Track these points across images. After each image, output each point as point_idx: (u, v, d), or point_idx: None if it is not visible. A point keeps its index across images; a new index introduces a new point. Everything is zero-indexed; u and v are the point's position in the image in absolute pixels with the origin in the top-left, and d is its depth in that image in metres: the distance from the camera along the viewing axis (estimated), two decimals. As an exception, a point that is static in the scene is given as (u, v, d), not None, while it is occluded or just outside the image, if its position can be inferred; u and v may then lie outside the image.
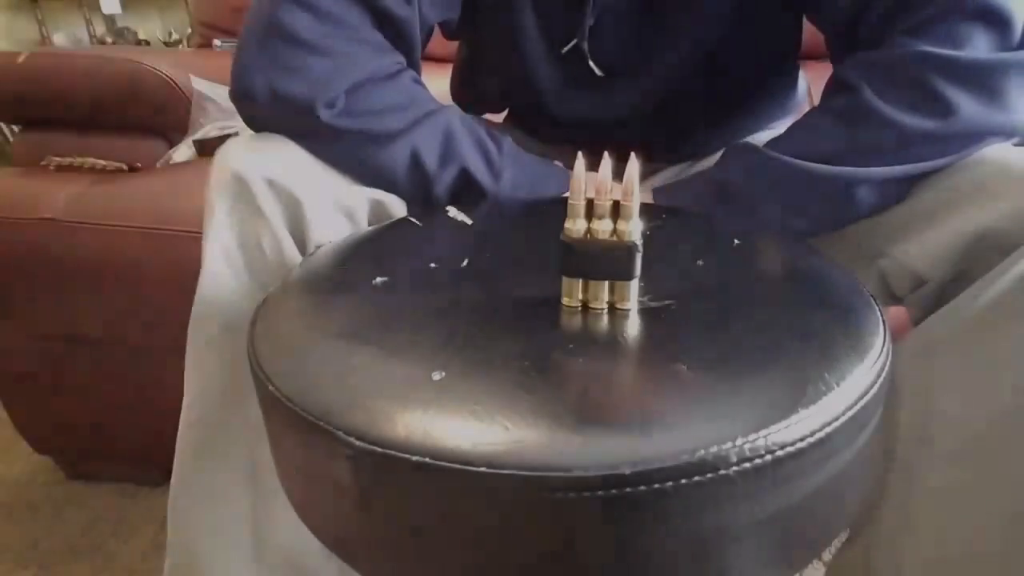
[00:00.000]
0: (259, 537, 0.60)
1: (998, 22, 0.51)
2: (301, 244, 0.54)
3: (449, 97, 0.84)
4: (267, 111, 0.55)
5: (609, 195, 0.37)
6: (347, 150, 0.55)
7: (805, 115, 0.59)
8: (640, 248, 0.37)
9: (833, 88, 0.57)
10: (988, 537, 0.51)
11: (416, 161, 0.56)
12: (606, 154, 0.37)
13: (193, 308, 0.56)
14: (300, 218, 0.53)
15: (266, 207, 0.52)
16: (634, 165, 0.36)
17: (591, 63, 0.65)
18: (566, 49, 0.65)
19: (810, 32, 0.68)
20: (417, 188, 0.58)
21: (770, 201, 0.56)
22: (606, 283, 0.39)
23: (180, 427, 0.59)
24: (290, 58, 0.53)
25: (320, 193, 0.54)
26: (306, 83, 0.53)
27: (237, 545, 0.59)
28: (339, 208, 0.56)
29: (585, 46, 0.64)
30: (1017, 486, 0.49)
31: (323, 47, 0.53)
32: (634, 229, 0.37)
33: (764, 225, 0.56)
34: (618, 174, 0.37)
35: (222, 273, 0.53)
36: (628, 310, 0.39)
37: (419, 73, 0.63)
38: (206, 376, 0.57)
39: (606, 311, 0.39)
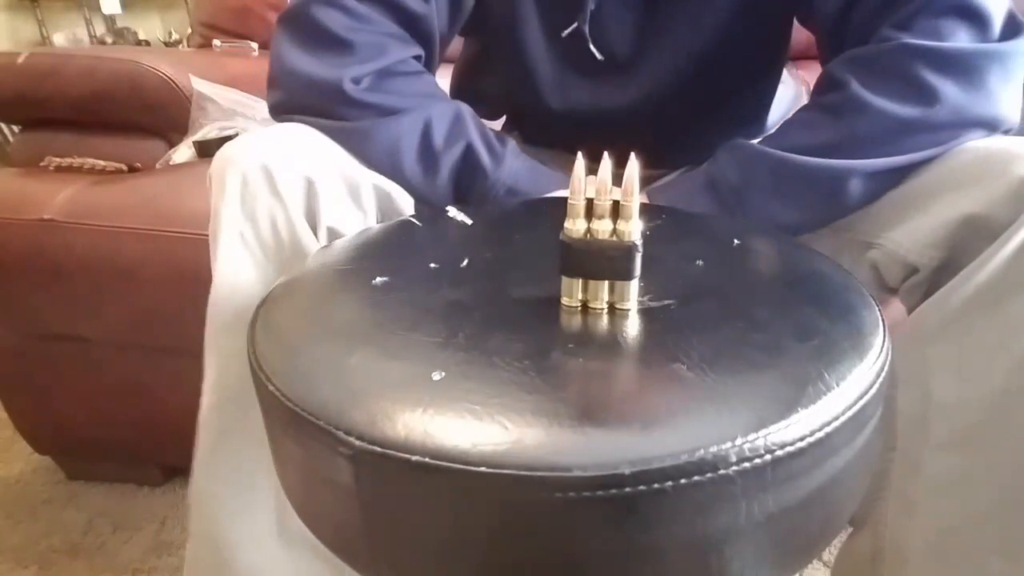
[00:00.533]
0: (282, 518, 0.60)
1: (977, 17, 0.53)
2: (313, 226, 0.54)
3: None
4: (298, 93, 0.59)
5: (609, 195, 0.37)
6: (364, 124, 0.58)
7: (796, 111, 0.59)
8: (640, 248, 0.37)
9: (823, 85, 0.58)
10: (986, 520, 0.51)
11: (426, 134, 0.59)
12: (606, 154, 0.37)
13: (211, 292, 0.56)
14: (312, 199, 0.54)
15: (279, 188, 0.53)
16: (634, 165, 0.36)
17: (591, 47, 0.65)
18: (567, 32, 0.65)
19: (807, 32, 0.68)
20: (422, 165, 0.60)
21: (762, 194, 0.56)
22: (606, 283, 0.39)
23: (200, 411, 0.59)
24: (323, 49, 0.58)
25: (330, 175, 0.55)
26: (336, 66, 0.57)
27: (260, 526, 0.60)
28: (348, 191, 0.57)
29: (586, 29, 0.65)
30: (1012, 468, 0.49)
31: (354, 40, 0.58)
32: (634, 229, 0.37)
33: (752, 217, 0.56)
34: (617, 179, 0.37)
35: (238, 255, 0.54)
36: (628, 310, 0.39)
37: (435, 70, 0.66)
38: (224, 360, 0.57)
39: (606, 311, 0.39)
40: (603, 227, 0.37)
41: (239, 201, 0.53)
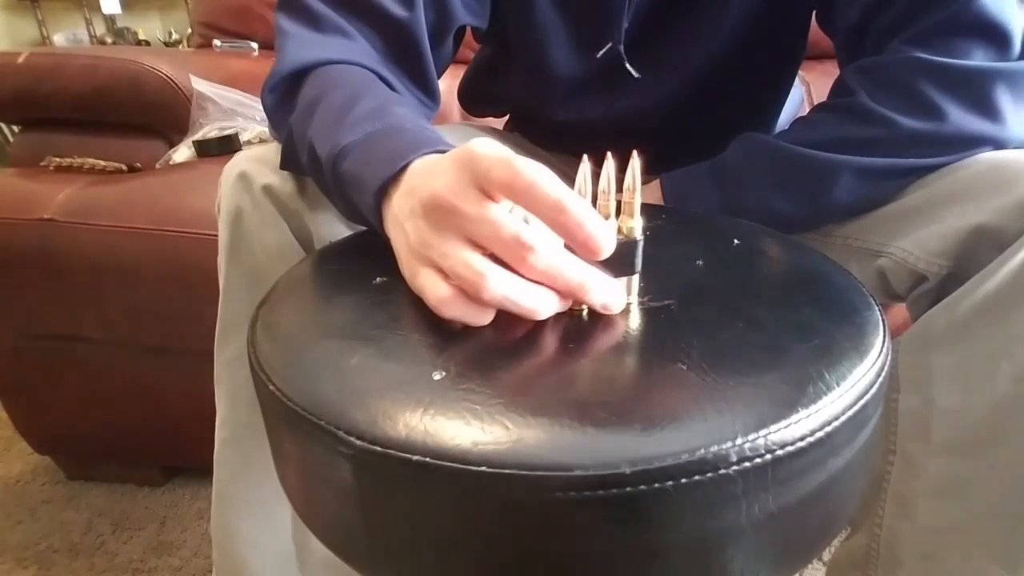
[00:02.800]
0: (300, 545, 0.61)
1: (996, 36, 0.52)
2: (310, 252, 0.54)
3: (453, 96, 0.84)
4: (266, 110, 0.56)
5: (611, 195, 0.37)
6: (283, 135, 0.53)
7: (809, 111, 0.60)
8: (641, 244, 0.37)
9: (835, 91, 0.59)
10: (985, 526, 0.51)
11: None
12: (609, 154, 0.37)
13: (217, 328, 0.57)
14: (306, 226, 0.53)
15: (277, 223, 0.52)
16: (636, 162, 0.37)
17: (628, 65, 0.65)
18: (601, 53, 0.64)
19: (811, 31, 0.68)
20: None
21: (759, 181, 0.57)
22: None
23: (215, 444, 0.60)
24: (278, 49, 0.54)
25: (323, 198, 0.54)
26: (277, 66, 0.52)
27: (279, 554, 0.61)
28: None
29: (621, 49, 0.64)
30: (1013, 474, 0.49)
31: (303, 37, 0.53)
32: (636, 225, 0.37)
33: (751, 205, 0.57)
34: (619, 183, 0.37)
35: (240, 291, 0.54)
36: (629, 304, 0.39)
37: (430, 80, 0.59)
38: (234, 394, 0.58)
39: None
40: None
41: (235, 234, 0.53)
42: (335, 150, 0.44)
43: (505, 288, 0.33)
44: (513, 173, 0.32)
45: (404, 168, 0.40)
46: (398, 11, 0.55)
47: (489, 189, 0.34)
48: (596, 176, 0.37)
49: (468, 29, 0.67)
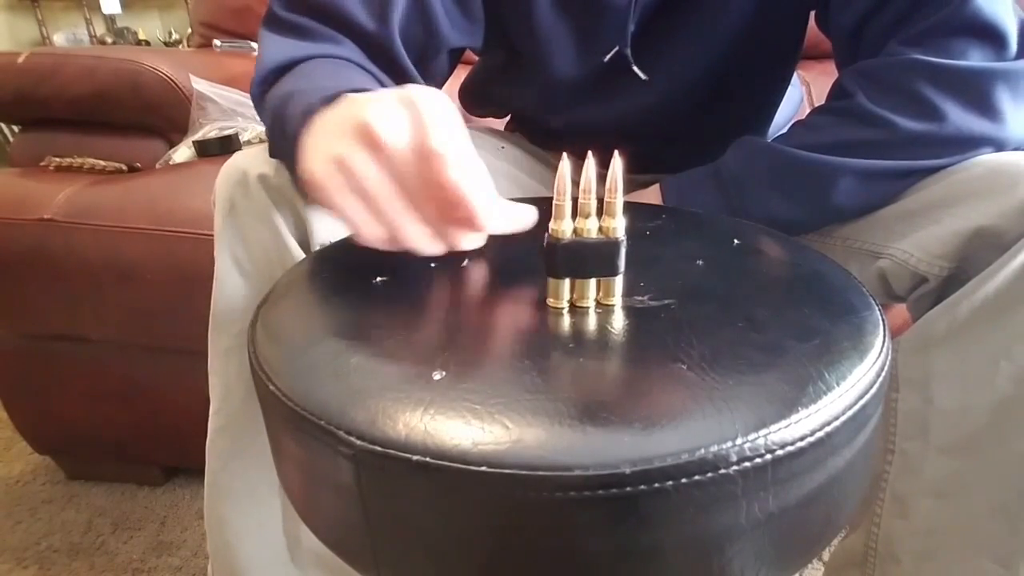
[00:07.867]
0: (291, 536, 0.61)
1: (992, 36, 0.52)
2: (306, 248, 0.54)
3: (454, 97, 0.84)
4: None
5: (592, 193, 0.37)
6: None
7: (807, 115, 0.60)
8: (624, 244, 0.37)
9: (833, 94, 0.59)
10: (982, 525, 0.52)
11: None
12: (590, 153, 0.37)
13: (210, 318, 0.57)
14: (302, 220, 0.53)
15: (270, 213, 0.52)
16: (617, 162, 0.37)
17: (635, 68, 0.65)
18: (608, 57, 0.64)
19: (810, 31, 0.68)
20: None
21: (760, 186, 0.57)
22: (594, 281, 0.39)
23: (208, 434, 0.60)
24: (263, 50, 0.55)
25: None
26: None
27: (271, 545, 0.61)
28: None
29: (628, 52, 0.64)
30: (1010, 474, 0.49)
31: (289, 43, 0.54)
32: (618, 225, 0.37)
33: (753, 210, 0.57)
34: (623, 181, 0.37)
35: (233, 281, 0.54)
36: (613, 306, 0.39)
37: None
38: (228, 383, 0.58)
39: (594, 309, 0.39)
40: (589, 225, 0.37)
41: (231, 227, 0.53)
42: (286, 97, 0.48)
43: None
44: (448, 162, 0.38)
45: (339, 95, 0.43)
46: (370, 25, 0.56)
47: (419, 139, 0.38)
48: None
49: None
